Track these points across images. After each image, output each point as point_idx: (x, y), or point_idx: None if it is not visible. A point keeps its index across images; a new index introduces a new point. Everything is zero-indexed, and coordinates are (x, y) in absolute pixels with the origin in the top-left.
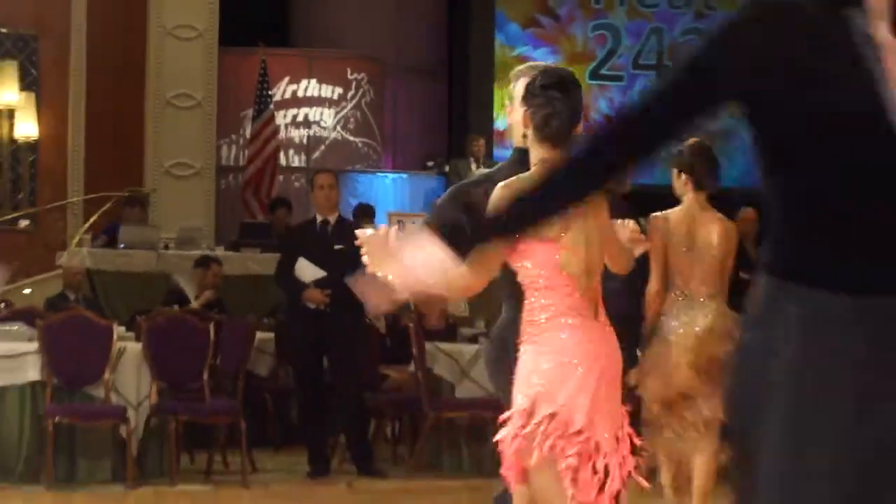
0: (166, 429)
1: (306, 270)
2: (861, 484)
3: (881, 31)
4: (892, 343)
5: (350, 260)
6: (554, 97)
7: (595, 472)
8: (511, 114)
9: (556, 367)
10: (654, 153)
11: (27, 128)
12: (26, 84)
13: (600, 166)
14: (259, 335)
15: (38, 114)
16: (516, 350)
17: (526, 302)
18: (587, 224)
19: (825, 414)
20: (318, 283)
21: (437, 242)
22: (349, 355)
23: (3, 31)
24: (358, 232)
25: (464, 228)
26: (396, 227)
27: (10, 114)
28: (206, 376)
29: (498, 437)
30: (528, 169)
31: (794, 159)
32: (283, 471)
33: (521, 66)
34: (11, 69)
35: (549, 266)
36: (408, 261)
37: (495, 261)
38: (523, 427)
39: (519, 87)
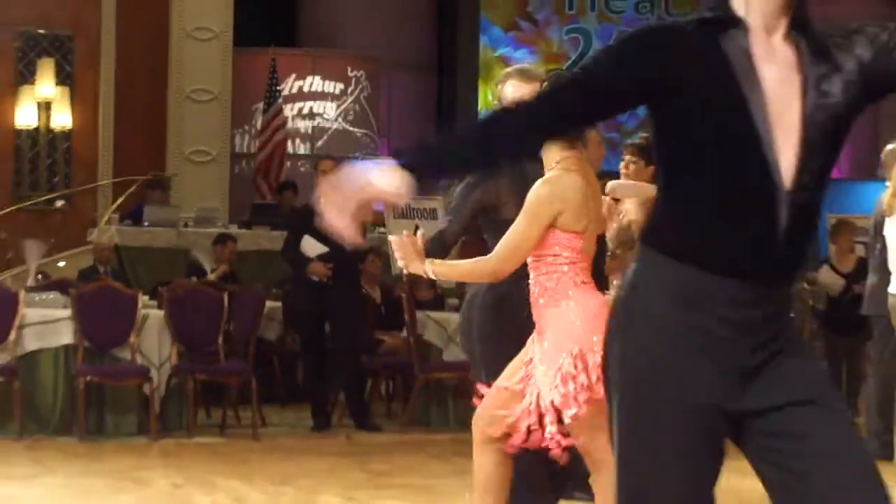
0: (185, 387)
1: (310, 247)
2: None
3: (755, 45)
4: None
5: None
6: None
7: None
8: None
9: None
10: (555, 135)
11: (62, 118)
12: (62, 79)
13: (513, 138)
14: (268, 304)
15: (72, 106)
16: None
17: (544, 274)
18: (598, 212)
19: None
20: (321, 258)
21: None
22: (348, 322)
23: (41, 31)
24: (391, 238)
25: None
26: (420, 231)
27: (48, 106)
28: (220, 340)
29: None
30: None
31: (680, 152)
32: (289, 425)
33: (508, 70)
34: (49, 66)
35: (576, 251)
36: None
37: (524, 251)
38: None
39: (508, 89)
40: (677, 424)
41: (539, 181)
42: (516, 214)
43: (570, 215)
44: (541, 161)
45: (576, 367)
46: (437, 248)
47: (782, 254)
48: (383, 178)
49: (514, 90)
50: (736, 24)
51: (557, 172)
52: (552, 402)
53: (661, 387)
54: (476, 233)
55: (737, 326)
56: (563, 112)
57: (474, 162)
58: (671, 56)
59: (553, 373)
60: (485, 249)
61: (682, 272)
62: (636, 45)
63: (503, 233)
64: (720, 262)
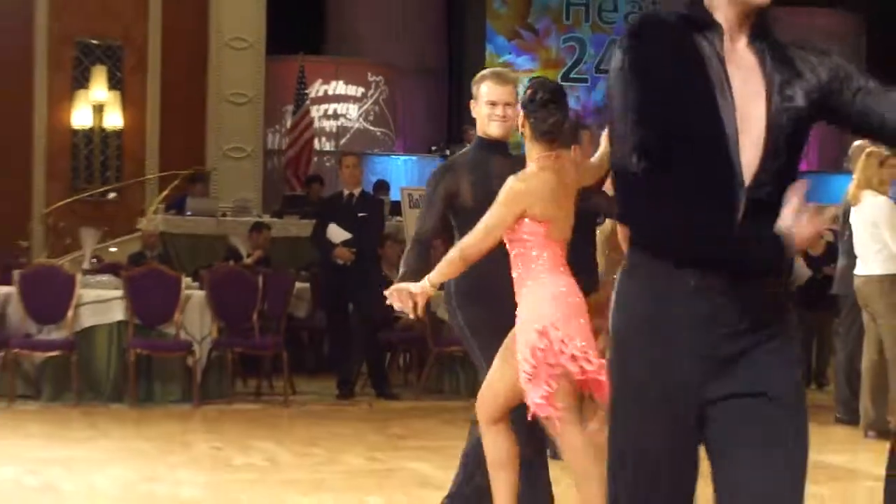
0: (224, 359)
1: (336, 233)
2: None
3: (727, 47)
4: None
5: (370, 225)
6: (552, 109)
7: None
8: (475, 109)
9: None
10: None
11: (114, 119)
12: (113, 84)
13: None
14: (298, 285)
15: (122, 108)
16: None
17: (519, 255)
18: (568, 205)
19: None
20: (345, 244)
21: None
22: (369, 301)
23: (95, 42)
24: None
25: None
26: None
27: (101, 108)
28: (255, 317)
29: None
30: (488, 153)
31: (647, 153)
32: (317, 393)
33: (483, 72)
34: (101, 73)
35: (543, 236)
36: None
37: (497, 233)
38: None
39: (483, 90)
40: (655, 399)
41: (515, 175)
42: (474, 202)
43: (539, 208)
44: (508, 158)
45: (540, 340)
46: (418, 252)
47: (741, 246)
48: None
49: (488, 90)
50: (711, 25)
51: (533, 170)
52: (526, 374)
53: (641, 369)
54: (449, 231)
55: (704, 315)
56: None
57: None
58: (660, 52)
59: (523, 346)
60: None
61: (653, 265)
62: (640, 50)
63: (467, 219)
64: (683, 254)
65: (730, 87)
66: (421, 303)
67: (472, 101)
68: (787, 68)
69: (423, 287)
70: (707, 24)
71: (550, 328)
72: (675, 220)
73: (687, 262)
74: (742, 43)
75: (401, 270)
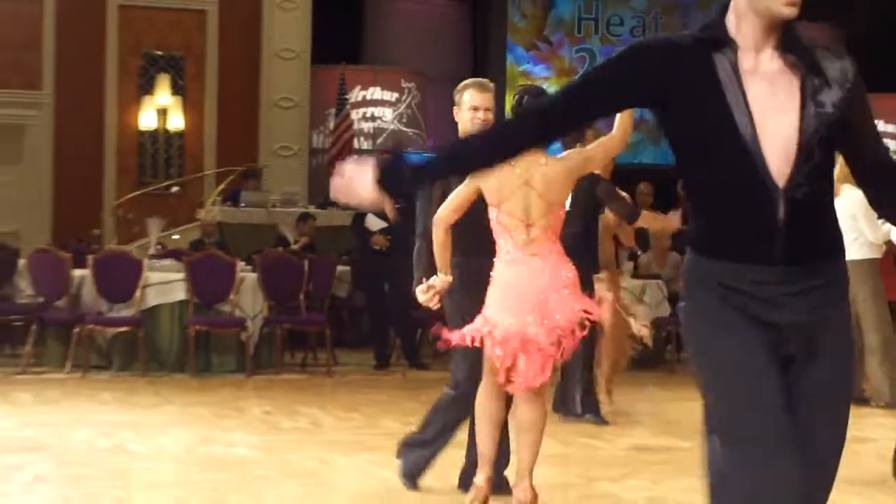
0: (273, 334)
1: (373, 222)
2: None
3: (746, 62)
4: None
5: (404, 215)
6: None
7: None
8: (458, 114)
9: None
10: (561, 133)
11: (176, 121)
12: (175, 90)
13: (523, 135)
14: (339, 268)
15: (184, 112)
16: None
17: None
18: (525, 199)
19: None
20: (382, 231)
21: (372, 170)
22: (403, 283)
23: (159, 53)
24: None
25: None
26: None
27: (165, 112)
28: (302, 297)
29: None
30: None
31: (685, 157)
32: (356, 364)
33: (466, 81)
34: (165, 80)
35: (499, 223)
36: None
37: (454, 203)
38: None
39: (466, 97)
40: (743, 348)
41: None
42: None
43: (488, 193)
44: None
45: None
46: (425, 248)
47: (789, 242)
48: (360, 181)
49: (471, 97)
50: (728, 43)
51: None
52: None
53: (720, 330)
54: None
55: (766, 301)
56: (572, 109)
57: (487, 158)
58: (664, 70)
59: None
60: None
61: (712, 264)
62: (635, 55)
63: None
64: (738, 252)
65: (745, 99)
66: (442, 292)
67: (455, 108)
68: (818, 77)
69: (441, 280)
70: (722, 42)
71: (493, 310)
72: (725, 225)
73: (742, 259)
74: (768, 54)
75: (418, 272)
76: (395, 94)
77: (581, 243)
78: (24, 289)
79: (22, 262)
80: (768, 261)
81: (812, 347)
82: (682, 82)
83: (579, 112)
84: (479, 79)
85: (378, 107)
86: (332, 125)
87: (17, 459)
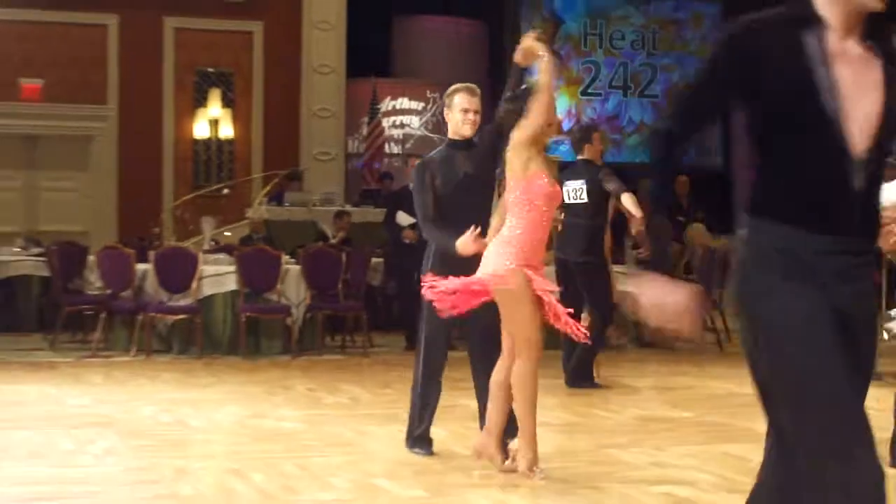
0: (315, 319)
1: (403, 219)
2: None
3: (833, 42)
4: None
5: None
6: (521, 105)
7: None
8: (448, 115)
9: None
10: (694, 137)
11: (226, 131)
12: (225, 103)
13: (677, 140)
14: (374, 260)
15: (233, 122)
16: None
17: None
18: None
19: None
20: (411, 227)
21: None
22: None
23: (211, 70)
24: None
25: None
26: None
27: (216, 122)
28: (340, 286)
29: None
30: (455, 151)
31: (767, 124)
32: (389, 346)
33: (457, 85)
34: (216, 94)
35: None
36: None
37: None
38: None
39: (457, 100)
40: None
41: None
42: (443, 189)
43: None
44: (469, 152)
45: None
46: (436, 226)
47: (859, 212)
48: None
49: (461, 100)
50: (817, 21)
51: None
52: None
53: (782, 297)
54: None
55: (833, 272)
56: (698, 117)
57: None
58: (754, 53)
59: None
60: None
61: (781, 231)
62: (725, 51)
63: (438, 202)
64: (813, 221)
65: (833, 77)
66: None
67: (446, 109)
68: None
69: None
70: (810, 19)
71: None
72: (802, 189)
73: (815, 229)
74: (853, 41)
75: (435, 250)
76: (422, 104)
77: (600, 235)
78: (94, 282)
79: (91, 258)
80: (845, 229)
81: (858, 319)
82: (772, 61)
83: (703, 118)
84: (469, 84)
85: (406, 115)
86: (365, 132)
87: (90, 433)
